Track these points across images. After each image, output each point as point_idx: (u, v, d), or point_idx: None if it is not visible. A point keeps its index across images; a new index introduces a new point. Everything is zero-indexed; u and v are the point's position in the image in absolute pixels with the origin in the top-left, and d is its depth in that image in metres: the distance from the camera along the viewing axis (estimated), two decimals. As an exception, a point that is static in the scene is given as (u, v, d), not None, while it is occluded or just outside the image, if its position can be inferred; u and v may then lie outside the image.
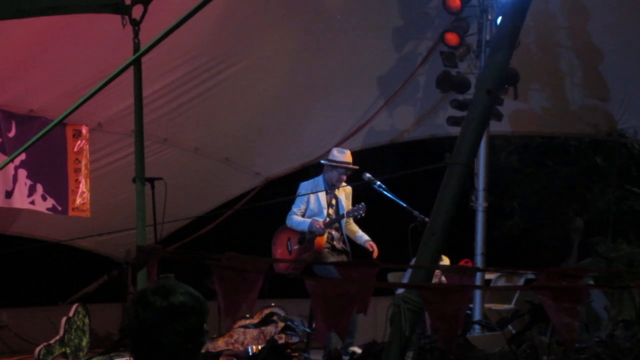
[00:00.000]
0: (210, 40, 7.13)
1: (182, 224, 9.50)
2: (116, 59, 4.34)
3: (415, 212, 7.44)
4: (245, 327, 7.88)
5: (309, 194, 7.35)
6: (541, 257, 12.88)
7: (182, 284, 2.61)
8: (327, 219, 7.33)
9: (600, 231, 10.24)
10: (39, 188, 7.21)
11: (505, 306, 8.80)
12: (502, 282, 9.16)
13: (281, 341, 6.63)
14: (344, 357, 5.52)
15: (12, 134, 6.88)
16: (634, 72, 8.63)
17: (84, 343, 7.76)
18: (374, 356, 4.49)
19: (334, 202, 7.43)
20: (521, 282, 8.74)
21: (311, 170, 9.74)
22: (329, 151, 7.76)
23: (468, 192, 7.96)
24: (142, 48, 3.76)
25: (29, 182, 7.11)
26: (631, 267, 8.49)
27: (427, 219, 6.57)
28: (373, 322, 9.04)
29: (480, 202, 8.12)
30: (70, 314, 7.67)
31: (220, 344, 7.99)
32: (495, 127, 8.43)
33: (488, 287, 8.97)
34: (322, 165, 7.58)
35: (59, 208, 7.39)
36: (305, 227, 7.32)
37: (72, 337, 7.59)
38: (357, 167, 7.49)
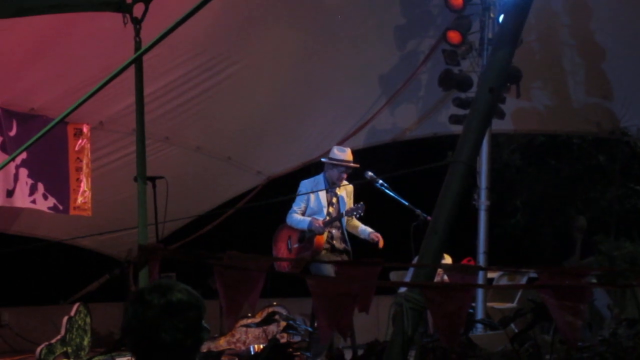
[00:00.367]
0: (211, 39, 7.12)
1: (184, 223, 9.49)
2: (117, 57, 4.34)
3: (418, 211, 7.43)
4: (247, 326, 7.88)
5: (309, 192, 7.33)
6: (544, 256, 12.89)
7: (178, 283, 2.65)
8: (327, 218, 7.32)
9: (603, 229, 10.21)
10: (40, 187, 7.20)
11: (508, 305, 8.78)
12: (504, 281, 9.14)
13: (283, 340, 6.63)
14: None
15: (13, 132, 6.88)
16: (636, 70, 8.62)
17: (85, 342, 7.75)
18: (376, 355, 4.48)
19: (334, 200, 7.42)
20: (524, 280, 8.72)
21: (313, 169, 9.73)
22: (330, 150, 7.75)
23: (470, 190, 7.95)
24: (144, 46, 3.75)
25: (30, 181, 7.11)
26: (634, 265, 8.46)
27: (429, 218, 6.54)
28: (375, 321, 9.05)
29: (483, 201, 8.12)
30: (72, 314, 7.66)
31: (222, 343, 7.99)
32: (497, 125, 8.41)
33: (490, 285, 8.94)
34: (323, 163, 7.58)
35: (60, 207, 7.39)
36: (304, 226, 7.31)
37: (74, 336, 7.59)
38: (357, 166, 7.47)
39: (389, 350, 3.65)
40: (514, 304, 8.75)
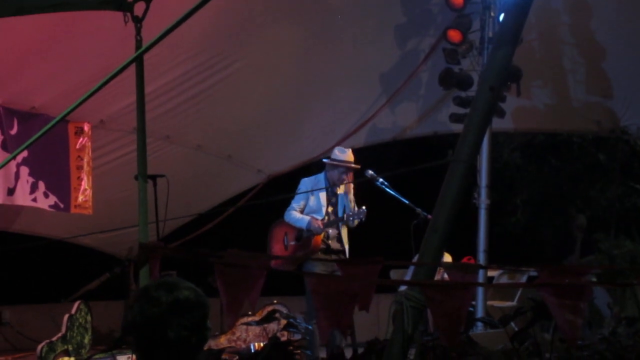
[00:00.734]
0: (212, 38, 7.12)
1: (184, 221, 9.49)
2: (118, 56, 4.33)
3: (418, 209, 7.44)
4: (248, 324, 7.88)
5: (310, 191, 7.32)
6: (544, 254, 12.90)
7: (183, 280, 2.64)
8: (326, 218, 7.29)
9: (603, 228, 10.21)
10: (41, 185, 7.21)
11: (508, 303, 8.80)
12: (504, 280, 9.15)
13: (283, 338, 6.63)
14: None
15: (14, 131, 6.88)
16: (637, 69, 8.62)
17: (86, 340, 7.76)
18: (376, 354, 4.48)
19: (333, 200, 7.41)
20: (524, 279, 8.74)
21: (314, 167, 9.73)
22: (331, 148, 7.74)
23: (471, 189, 7.96)
24: (144, 45, 3.75)
25: (31, 180, 7.11)
26: (634, 264, 8.47)
27: (429, 216, 6.55)
28: (375, 320, 9.06)
29: (483, 199, 8.13)
30: (73, 312, 7.67)
31: (223, 341, 7.99)
32: (498, 124, 8.42)
33: (491, 284, 8.97)
34: (324, 162, 7.57)
35: (61, 205, 7.39)
36: (303, 225, 7.27)
37: (75, 334, 7.59)
38: (358, 167, 7.44)
39: (389, 348, 3.66)
40: (514, 303, 8.76)
